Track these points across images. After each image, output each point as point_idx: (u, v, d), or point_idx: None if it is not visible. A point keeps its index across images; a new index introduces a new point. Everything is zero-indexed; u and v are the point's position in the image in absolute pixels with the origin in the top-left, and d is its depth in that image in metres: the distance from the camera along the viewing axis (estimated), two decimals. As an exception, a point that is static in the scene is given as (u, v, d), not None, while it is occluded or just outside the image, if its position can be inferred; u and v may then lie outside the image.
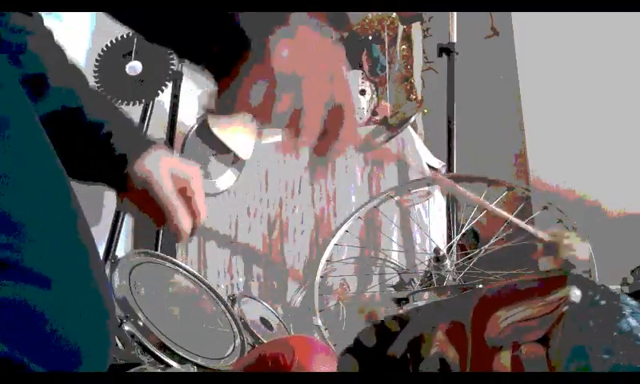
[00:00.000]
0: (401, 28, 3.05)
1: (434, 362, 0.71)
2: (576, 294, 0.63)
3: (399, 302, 1.45)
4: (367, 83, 3.03)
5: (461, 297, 0.77)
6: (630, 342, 0.62)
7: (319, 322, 1.80)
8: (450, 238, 1.98)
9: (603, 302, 0.63)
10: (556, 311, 0.63)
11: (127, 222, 2.48)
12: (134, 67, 2.27)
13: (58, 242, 0.59)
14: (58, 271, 0.57)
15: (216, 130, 2.33)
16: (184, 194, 0.88)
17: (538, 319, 0.64)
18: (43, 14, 0.88)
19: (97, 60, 2.34)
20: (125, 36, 2.33)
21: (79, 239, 0.62)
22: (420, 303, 1.26)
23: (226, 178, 2.45)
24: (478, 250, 1.83)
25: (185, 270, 1.90)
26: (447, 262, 1.77)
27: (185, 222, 0.86)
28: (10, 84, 0.62)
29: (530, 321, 0.65)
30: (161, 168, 0.86)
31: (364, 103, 2.99)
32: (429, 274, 1.79)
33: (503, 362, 0.65)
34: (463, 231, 1.95)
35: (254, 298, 2.19)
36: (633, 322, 0.63)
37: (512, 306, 0.66)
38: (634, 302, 0.65)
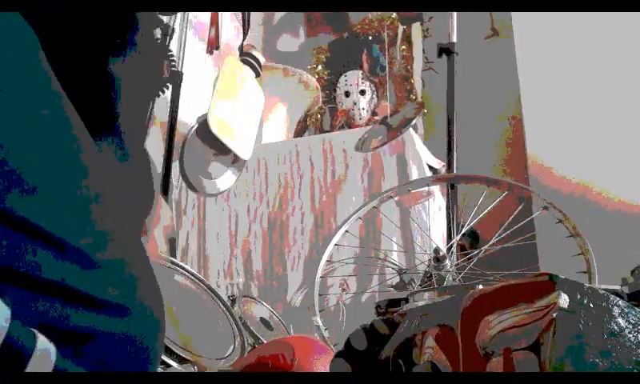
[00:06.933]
0: (401, 28, 3.05)
1: (426, 368, 0.71)
2: (564, 299, 0.63)
3: (399, 302, 1.44)
4: (367, 83, 3.02)
5: (449, 300, 0.77)
6: (622, 343, 0.62)
7: (319, 322, 1.80)
8: (450, 237, 1.97)
9: (592, 305, 0.63)
10: (545, 318, 0.63)
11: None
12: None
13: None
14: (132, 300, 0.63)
15: (216, 130, 2.32)
16: None
17: (528, 325, 0.64)
18: None
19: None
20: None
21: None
22: (420, 303, 1.26)
23: (226, 178, 2.45)
24: (477, 251, 1.83)
25: (185, 270, 1.90)
26: (447, 262, 1.76)
27: None
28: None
29: (520, 327, 0.65)
30: None
31: (364, 103, 2.98)
32: (429, 274, 1.78)
33: (495, 368, 0.65)
34: (463, 231, 1.95)
35: (254, 298, 2.19)
36: (622, 322, 0.63)
37: (501, 310, 0.66)
38: (622, 302, 0.65)
